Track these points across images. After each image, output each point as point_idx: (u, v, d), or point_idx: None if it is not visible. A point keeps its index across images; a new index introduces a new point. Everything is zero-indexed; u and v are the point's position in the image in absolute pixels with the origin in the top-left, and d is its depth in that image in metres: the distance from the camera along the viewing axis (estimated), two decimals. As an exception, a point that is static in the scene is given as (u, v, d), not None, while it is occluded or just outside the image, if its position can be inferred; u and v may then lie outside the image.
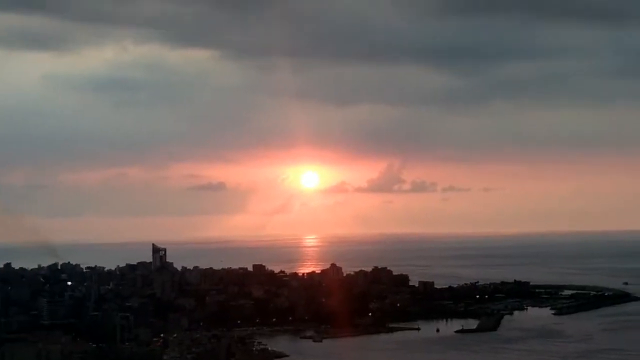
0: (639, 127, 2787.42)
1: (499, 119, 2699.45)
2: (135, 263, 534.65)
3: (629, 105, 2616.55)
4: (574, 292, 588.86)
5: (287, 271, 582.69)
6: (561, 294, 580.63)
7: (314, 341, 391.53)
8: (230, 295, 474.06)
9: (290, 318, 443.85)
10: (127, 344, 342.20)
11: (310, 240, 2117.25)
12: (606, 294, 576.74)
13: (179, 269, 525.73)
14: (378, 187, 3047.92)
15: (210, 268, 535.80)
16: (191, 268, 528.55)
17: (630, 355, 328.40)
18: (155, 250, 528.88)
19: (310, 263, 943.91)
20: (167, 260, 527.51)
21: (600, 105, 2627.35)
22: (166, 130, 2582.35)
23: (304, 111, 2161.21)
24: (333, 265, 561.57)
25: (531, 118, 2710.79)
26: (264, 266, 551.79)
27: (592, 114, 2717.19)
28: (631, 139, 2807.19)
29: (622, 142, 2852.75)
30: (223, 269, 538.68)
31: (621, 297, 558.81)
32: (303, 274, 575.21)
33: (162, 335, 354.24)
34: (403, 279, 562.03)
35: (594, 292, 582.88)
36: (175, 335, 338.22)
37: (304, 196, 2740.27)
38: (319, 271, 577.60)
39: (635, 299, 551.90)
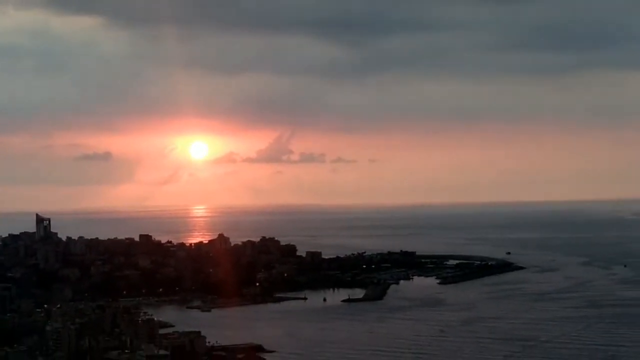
0: (521, 100, 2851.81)
1: (386, 91, 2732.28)
2: (18, 233, 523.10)
3: (510, 79, 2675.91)
4: (459, 261, 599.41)
5: (175, 241, 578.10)
6: (446, 264, 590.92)
7: (202, 311, 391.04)
8: (116, 265, 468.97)
9: (177, 288, 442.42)
10: (8, 315, 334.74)
11: (199, 211, 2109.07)
12: (489, 263, 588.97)
13: (64, 239, 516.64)
14: (267, 157, 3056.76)
15: (96, 238, 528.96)
16: (76, 238, 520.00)
17: (508, 322, 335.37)
18: (39, 220, 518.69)
19: (198, 233, 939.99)
20: (52, 230, 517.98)
21: (483, 78, 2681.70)
22: (51, 98, 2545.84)
23: (190, 80, 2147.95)
24: (221, 235, 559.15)
25: (417, 90, 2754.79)
26: (151, 236, 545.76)
27: (476, 86, 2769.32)
28: (512, 111, 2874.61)
29: (504, 114, 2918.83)
30: (109, 239, 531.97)
31: (504, 267, 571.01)
32: (190, 244, 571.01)
33: (45, 306, 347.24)
34: (291, 249, 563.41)
35: (478, 262, 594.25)
36: (58, 305, 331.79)
37: (192, 166, 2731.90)
38: (207, 241, 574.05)
39: (517, 268, 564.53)
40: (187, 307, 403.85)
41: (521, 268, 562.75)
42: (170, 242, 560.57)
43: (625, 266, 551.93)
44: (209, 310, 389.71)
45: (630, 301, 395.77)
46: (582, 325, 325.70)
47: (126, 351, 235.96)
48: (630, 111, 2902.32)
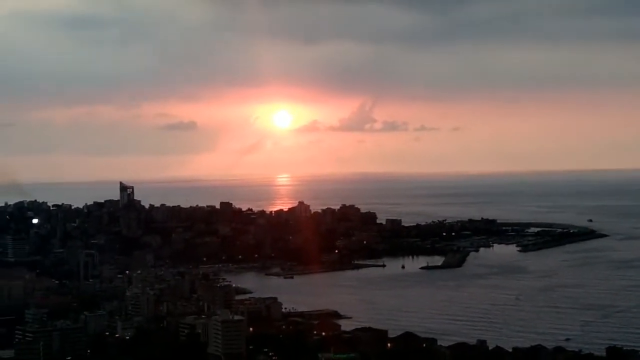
0: (602, 66, 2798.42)
1: (467, 59, 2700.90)
2: (102, 201, 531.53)
3: (591, 45, 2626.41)
4: (540, 229, 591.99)
5: (256, 209, 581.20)
6: (527, 232, 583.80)
7: (284, 277, 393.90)
8: (197, 232, 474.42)
9: (257, 255, 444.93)
10: (90, 280, 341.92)
11: (282, 179, 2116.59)
12: (571, 231, 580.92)
13: (147, 207, 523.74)
14: (350, 126, 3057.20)
15: (178, 206, 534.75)
16: (158, 206, 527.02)
17: (588, 290, 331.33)
18: (123, 188, 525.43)
19: (281, 201, 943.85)
20: (135, 198, 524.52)
21: (564, 44, 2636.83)
22: (136, 68, 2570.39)
23: (273, 49, 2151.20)
24: (301, 203, 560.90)
25: (498, 57, 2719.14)
26: (231, 204, 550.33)
27: (556, 53, 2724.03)
28: (594, 78, 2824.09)
29: (585, 81, 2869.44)
30: (190, 207, 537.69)
31: (586, 234, 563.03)
32: (271, 211, 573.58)
33: (127, 272, 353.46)
34: (371, 216, 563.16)
35: (560, 230, 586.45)
36: (139, 272, 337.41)
37: (276, 135, 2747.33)
38: (287, 209, 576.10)
39: (600, 235, 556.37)
40: (266, 274, 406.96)
41: (604, 236, 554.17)
42: (251, 209, 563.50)
43: None
44: (291, 277, 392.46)
45: None
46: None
47: (202, 316, 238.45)
48: None
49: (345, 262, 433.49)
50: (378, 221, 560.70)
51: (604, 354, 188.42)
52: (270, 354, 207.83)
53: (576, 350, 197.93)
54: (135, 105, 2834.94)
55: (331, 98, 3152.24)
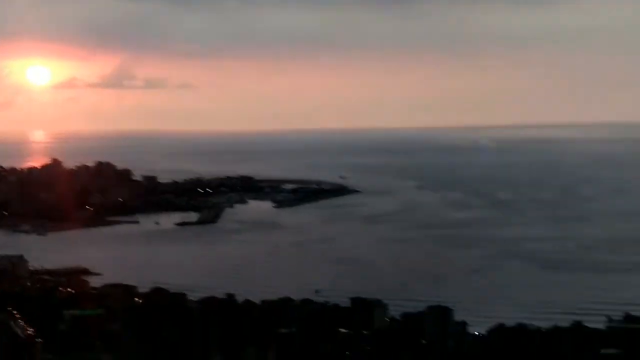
0: (364, 29, 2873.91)
1: (231, 17, 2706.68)
2: None
3: (350, 7, 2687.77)
4: (295, 186, 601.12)
5: (7, 166, 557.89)
6: (283, 188, 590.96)
7: (38, 235, 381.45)
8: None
9: (5, 213, 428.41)
10: None
11: (37, 136, 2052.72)
12: (324, 187, 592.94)
13: None
14: (110, 83, 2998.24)
15: None
16: None
17: (339, 244, 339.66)
18: None
19: (35, 159, 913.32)
20: None
21: (322, 6, 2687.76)
22: None
23: (28, 3, 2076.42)
24: (54, 160, 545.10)
25: (264, 17, 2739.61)
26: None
27: (314, 15, 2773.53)
28: (355, 40, 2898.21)
29: (347, 42, 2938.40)
30: None
31: (338, 190, 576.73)
32: (22, 168, 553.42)
33: None
34: (126, 173, 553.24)
35: (314, 186, 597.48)
36: None
37: (31, 91, 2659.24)
38: (40, 166, 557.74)
39: (352, 191, 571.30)
40: (15, 231, 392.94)
41: (356, 192, 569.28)
42: (1, 167, 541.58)
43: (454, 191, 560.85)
44: (43, 235, 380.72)
45: (456, 223, 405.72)
46: (410, 246, 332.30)
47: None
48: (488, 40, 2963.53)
49: (98, 219, 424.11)
50: (134, 178, 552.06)
51: (349, 304, 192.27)
52: (14, 312, 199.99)
53: (323, 301, 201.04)
54: None
55: (91, 55, 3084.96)
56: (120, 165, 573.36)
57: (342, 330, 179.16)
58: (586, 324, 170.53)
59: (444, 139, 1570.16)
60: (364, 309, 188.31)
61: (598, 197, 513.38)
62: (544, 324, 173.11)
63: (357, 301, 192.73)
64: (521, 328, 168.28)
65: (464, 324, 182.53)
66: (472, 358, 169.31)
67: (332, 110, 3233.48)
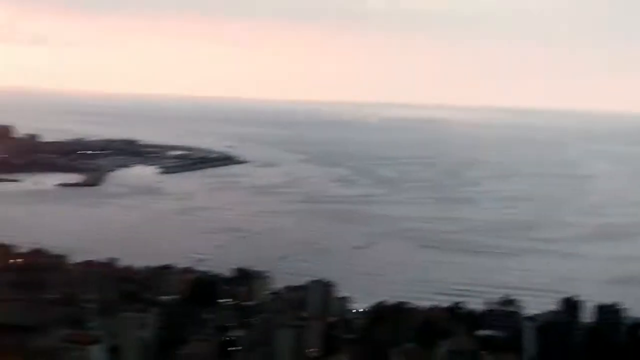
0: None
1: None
2: None
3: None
4: (181, 152, 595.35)
5: None
6: (168, 154, 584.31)
7: None
8: None
9: None
10: None
11: None
12: (211, 155, 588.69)
13: None
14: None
15: None
16: None
17: (224, 213, 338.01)
18: None
19: None
20: None
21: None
22: None
23: None
24: None
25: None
26: None
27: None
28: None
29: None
30: None
31: (225, 159, 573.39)
32: None
33: None
34: (6, 130, 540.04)
35: (201, 154, 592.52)
36: None
37: None
38: None
39: (239, 162, 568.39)
40: None
41: (243, 162, 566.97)
42: None
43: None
44: None
45: (340, 199, 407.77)
46: (294, 219, 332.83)
47: None
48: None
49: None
50: (15, 136, 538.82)
51: (231, 274, 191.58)
52: None
53: (205, 270, 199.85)
54: None
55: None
56: (0, 122, 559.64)
57: (224, 300, 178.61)
58: (464, 305, 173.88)
59: (331, 113, 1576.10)
60: (246, 280, 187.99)
61: (482, 180, 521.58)
62: (423, 303, 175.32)
63: (239, 272, 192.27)
64: (401, 306, 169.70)
65: (346, 298, 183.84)
66: (351, 332, 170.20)
67: (218, 78, 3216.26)
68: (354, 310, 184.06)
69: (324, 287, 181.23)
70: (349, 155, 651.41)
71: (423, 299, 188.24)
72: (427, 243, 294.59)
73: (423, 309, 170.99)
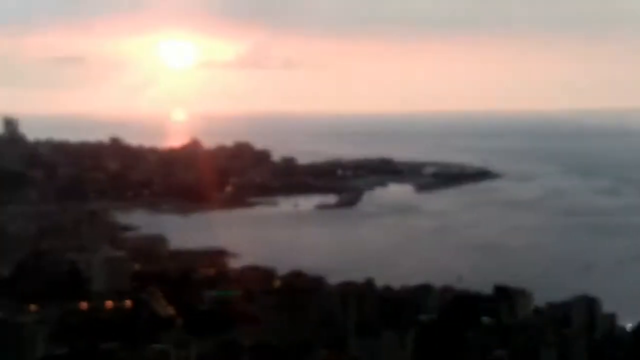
0: (503, 11, 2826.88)
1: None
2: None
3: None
4: (436, 169, 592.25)
5: (147, 145, 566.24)
6: (423, 171, 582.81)
7: (179, 215, 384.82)
8: (84, 168, 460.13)
9: (146, 192, 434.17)
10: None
11: (178, 116, 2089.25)
12: (466, 171, 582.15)
13: (32, 141, 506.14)
14: (247, 63, 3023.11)
15: (65, 140, 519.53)
16: (44, 140, 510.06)
17: (481, 230, 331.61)
18: (8, 121, 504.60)
19: (174, 138, 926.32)
20: (20, 132, 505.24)
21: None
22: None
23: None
24: (193, 139, 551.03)
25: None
26: (121, 140, 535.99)
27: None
28: (494, 22, 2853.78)
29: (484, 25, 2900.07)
30: (78, 142, 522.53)
31: (481, 175, 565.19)
32: (162, 148, 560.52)
33: (9, 207, 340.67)
34: (265, 154, 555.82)
35: (455, 170, 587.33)
36: (21, 208, 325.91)
37: (171, 71, 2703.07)
38: (179, 146, 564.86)
39: (495, 176, 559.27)
40: (155, 211, 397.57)
41: (498, 176, 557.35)
42: (142, 145, 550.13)
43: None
44: (184, 215, 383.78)
45: (603, 211, 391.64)
46: (554, 233, 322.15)
47: (86, 252, 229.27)
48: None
49: (237, 200, 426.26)
50: (272, 159, 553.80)
51: (492, 292, 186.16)
52: (155, 291, 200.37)
53: (465, 289, 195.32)
54: (23, 37, 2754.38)
55: (228, 34, 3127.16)
56: (258, 146, 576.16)
57: (485, 318, 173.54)
58: None
59: (588, 121, 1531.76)
60: (507, 297, 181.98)
61: None
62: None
63: (500, 289, 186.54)
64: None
65: (612, 315, 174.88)
66: (619, 351, 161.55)
67: (467, 92, 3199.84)
68: (622, 328, 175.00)
69: (588, 304, 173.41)
70: (610, 165, 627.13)
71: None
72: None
73: None
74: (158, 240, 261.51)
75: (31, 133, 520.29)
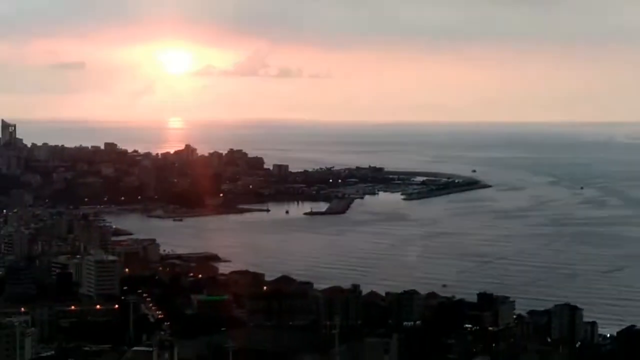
0: (505, 23, 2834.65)
1: (366, 4, 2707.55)
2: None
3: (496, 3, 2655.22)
4: (425, 178, 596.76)
5: (142, 151, 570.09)
6: (413, 180, 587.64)
7: (174, 220, 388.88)
8: (79, 172, 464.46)
9: (140, 197, 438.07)
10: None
11: (174, 123, 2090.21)
12: (455, 180, 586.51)
13: (29, 145, 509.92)
14: (244, 71, 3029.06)
15: (61, 145, 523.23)
16: (40, 145, 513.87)
17: (468, 239, 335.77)
18: (5, 126, 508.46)
19: (170, 145, 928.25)
20: (18, 137, 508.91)
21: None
22: (26, 5, 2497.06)
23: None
24: (187, 146, 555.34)
25: (403, 10, 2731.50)
26: (116, 145, 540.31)
27: (459, 11, 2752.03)
28: (488, 33, 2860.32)
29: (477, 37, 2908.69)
30: (73, 147, 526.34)
31: (469, 184, 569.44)
32: (157, 154, 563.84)
33: (3, 211, 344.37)
34: (257, 161, 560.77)
35: (444, 179, 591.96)
36: (15, 210, 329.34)
37: (169, 78, 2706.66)
38: (173, 152, 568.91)
39: (483, 186, 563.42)
40: (149, 216, 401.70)
41: (487, 186, 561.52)
42: (136, 151, 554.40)
43: (582, 188, 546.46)
44: (180, 220, 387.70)
45: (589, 221, 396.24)
46: (539, 242, 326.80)
47: (77, 256, 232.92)
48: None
49: (230, 206, 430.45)
50: (265, 166, 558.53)
51: (475, 299, 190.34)
52: (144, 295, 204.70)
53: (449, 296, 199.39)
54: (23, 43, 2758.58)
55: (226, 42, 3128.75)
56: (252, 153, 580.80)
57: (468, 325, 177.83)
58: None
59: (575, 134, 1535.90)
60: (491, 305, 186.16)
61: None
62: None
63: (483, 296, 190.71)
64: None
65: (593, 324, 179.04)
66: (599, 359, 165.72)
67: (464, 104, 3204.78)
68: (603, 336, 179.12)
69: (569, 312, 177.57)
70: (597, 176, 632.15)
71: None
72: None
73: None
74: (149, 245, 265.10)
75: (28, 138, 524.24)
